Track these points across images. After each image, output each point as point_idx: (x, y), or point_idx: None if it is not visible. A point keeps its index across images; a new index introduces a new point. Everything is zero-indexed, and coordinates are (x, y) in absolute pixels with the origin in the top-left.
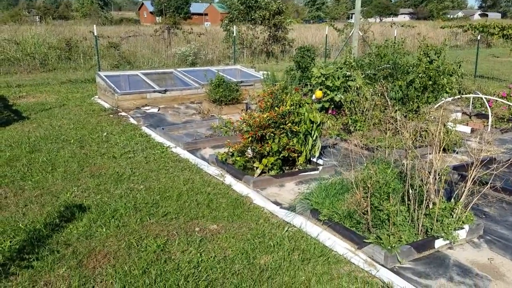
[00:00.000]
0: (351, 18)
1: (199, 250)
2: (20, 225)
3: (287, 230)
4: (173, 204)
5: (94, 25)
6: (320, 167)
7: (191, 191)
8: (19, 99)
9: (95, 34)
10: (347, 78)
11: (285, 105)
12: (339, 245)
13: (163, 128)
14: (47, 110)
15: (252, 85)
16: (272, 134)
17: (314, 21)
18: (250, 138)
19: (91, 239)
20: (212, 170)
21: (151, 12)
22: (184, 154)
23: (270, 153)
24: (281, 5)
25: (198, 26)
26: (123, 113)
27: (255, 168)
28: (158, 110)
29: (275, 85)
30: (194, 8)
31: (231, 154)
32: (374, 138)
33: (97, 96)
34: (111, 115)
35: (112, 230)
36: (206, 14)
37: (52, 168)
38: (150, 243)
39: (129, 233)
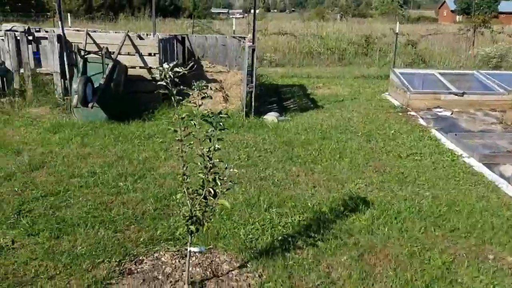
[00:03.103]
0: None
1: (492, 282)
2: (309, 204)
3: None
4: (463, 221)
5: (397, 23)
6: None
7: (485, 210)
8: (316, 89)
9: (397, 31)
10: None
11: None
12: None
13: (456, 134)
14: (339, 102)
15: None
16: None
17: None
18: None
19: (372, 235)
20: None
21: (452, 11)
22: (479, 167)
23: None
24: None
25: (505, 26)
26: (412, 113)
27: None
28: (451, 114)
29: None
30: (503, 6)
31: None
32: None
33: (387, 93)
34: (400, 113)
35: (394, 232)
36: None
37: (339, 156)
38: (435, 257)
39: (412, 240)
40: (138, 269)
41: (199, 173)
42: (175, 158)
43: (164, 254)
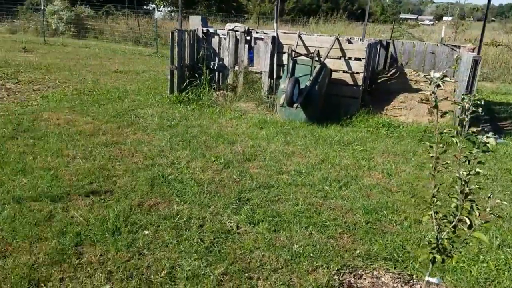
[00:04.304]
0: None
1: None
2: None
3: None
4: None
5: None
6: None
7: None
8: None
9: None
10: None
11: None
12: None
13: None
14: None
15: None
16: None
17: None
18: None
19: None
20: None
21: None
22: None
23: None
24: None
25: None
26: None
27: None
28: None
29: None
30: None
31: None
32: None
33: None
34: None
35: None
36: None
37: None
38: None
39: None
40: (358, 284)
41: (452, 198)
42: (378, 169)
43: (384, 274)
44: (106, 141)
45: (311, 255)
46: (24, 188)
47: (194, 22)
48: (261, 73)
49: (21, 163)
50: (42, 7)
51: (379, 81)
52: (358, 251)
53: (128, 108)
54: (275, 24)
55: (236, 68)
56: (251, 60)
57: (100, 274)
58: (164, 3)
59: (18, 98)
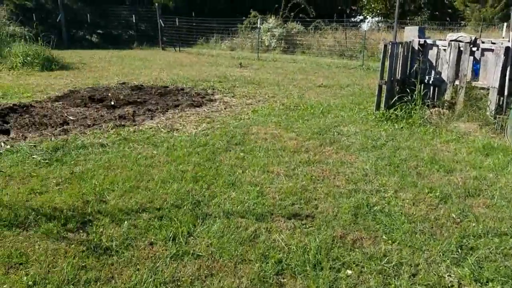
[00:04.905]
0: None
1: None
2: None
3: None
4: None
5: None
6: None
7: None
8: None
9: None
10: None
11: None
12: None
13: None
14: None
15: None
16: None
17: None
18: None
19: None
20: None
21: None
22: None
23: None
24: None
25: None
26: None
27: None
28: None
29: None
30: None
31: None
32: None
33: None
34: None
35: None
36: None
37: None
38: None
39: None
40: None
41: None
42: None
43: None
44: (308, 159)
45: None
46: (233, 202)
47: (410, 33)
48: (488, 89)
49: (232, 177)
50: (258, 25)
51: None
52: None
53: (330, 125)
54: (510, 33)
55: (456, 82)
56: (475, 74)
57: None
58: (372, 14)
59: (233, 111)
